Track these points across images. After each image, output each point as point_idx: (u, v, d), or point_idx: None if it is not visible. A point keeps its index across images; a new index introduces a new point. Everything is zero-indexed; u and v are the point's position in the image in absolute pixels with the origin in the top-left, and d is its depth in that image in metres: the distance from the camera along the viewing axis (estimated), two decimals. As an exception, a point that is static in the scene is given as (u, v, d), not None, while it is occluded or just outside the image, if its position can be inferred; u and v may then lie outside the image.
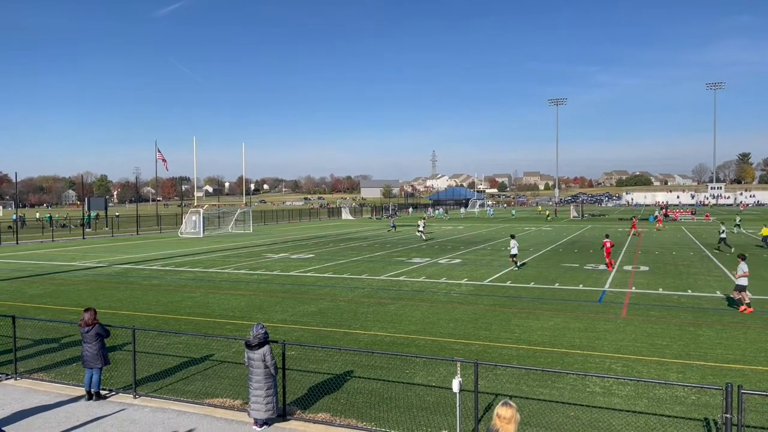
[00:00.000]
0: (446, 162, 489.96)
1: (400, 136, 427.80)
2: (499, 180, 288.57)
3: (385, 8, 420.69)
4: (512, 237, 28.02)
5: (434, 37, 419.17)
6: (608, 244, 27.16)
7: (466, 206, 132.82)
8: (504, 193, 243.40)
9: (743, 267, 17.01)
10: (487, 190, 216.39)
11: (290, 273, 26.01)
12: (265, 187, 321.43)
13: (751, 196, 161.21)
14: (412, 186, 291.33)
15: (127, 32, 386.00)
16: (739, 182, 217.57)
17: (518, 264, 27.26)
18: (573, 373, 10.63)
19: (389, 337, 14.06)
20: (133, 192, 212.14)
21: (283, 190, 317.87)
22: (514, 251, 26.84)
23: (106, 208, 72.11)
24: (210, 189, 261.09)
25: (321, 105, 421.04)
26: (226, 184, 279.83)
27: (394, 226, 57.31)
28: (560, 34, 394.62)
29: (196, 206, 58.10)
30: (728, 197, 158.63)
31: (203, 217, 54.77)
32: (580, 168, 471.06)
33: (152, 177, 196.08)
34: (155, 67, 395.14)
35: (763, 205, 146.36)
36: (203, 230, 53.86)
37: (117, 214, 73.13)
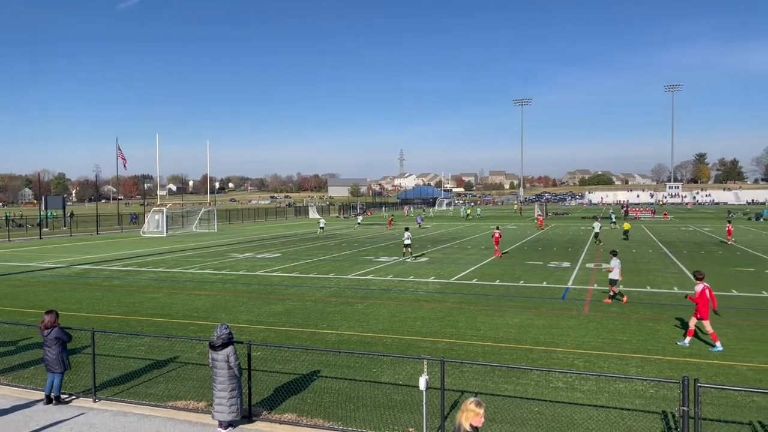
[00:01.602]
0: (414, 161, 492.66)
1: (367, 135, 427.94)
2: (466, 179, 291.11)
3: (353, 8, 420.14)
4: (406, 230, 32.25)
5: (401, 37, 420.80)
6: (497, 235, 32.03)
7: (433, 205, 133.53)
8: (470, 192, 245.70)
9: (614, 263, 18.16)
10: (454, 189, 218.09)
11: (256, 273, 25.74)
12: (231, 185, 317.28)
13: (707, 195, 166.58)
14: (380, 185, 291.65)
15: (89, 25, 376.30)
16: (696, 182, 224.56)
17: (414, 256, 30.74)
18: (537, 369, 10.81)
19: (357, 336, 14.05)
20: (92, 190, 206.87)
21: (249, 188, 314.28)
22: (407, 242, 30.52)
23: (64, 207, 70.00)
24: (173, 187, 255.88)
25: (288, 103, 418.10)
26: (191, 183, 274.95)
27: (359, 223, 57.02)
28: (527, 35, 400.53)
29: (159, 205, 56.97)
30: (685, 196, 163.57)
31: (166, 216, 53.75)
32: (545, 167, 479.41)
33: (113, 175, 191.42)
34: (117, 61, 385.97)
35: (718, 204, 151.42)
36: (166, 229, 52.86)
37: (70, 213, 70.76)
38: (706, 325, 12.72)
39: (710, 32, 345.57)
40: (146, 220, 54.94)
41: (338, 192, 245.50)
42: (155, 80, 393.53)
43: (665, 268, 26.25)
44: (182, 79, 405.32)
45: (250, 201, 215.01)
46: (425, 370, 7.97)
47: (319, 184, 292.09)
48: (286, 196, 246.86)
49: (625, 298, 18.06)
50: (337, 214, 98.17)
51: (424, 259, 30.51)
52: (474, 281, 22.62)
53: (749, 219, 70.97)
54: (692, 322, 13.03)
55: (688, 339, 13.00)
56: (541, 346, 12.99)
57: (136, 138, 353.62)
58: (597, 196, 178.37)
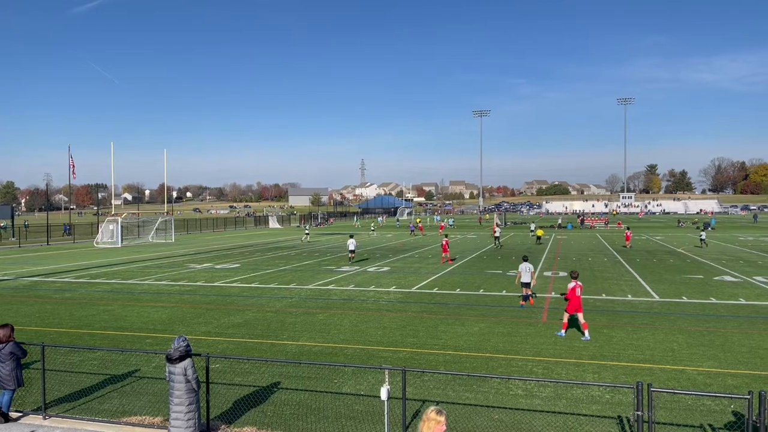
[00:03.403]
0: (375, 170, 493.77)
1: (329, 144, 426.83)
2: (427, 189, 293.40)
3: (314, 15, 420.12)
4: (351, 236, 34.82)
5: (363, 46, 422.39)
6: (444, 243, 33.88)
7: (394, 214, 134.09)
8: (431, 201, 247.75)
9: (524, 267, 19.39)
10: (415, 199, 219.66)
11: (215, 283, 25.29)
12: (189, 194, 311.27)
13: (658, 205, 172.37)
14: (341, 194, 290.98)
15: (40, 28, 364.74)
16: (647, 192, 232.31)
17: (352, 260, 33.34)
18: (497, 377, 10.94)
19: (318, 346, 13.94)
20: (43, 200, 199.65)
21: (208, 198, 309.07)
22: (351, 248, 33.17)
23: (12, 217, 67.42)
24: (129, 197, 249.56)
25: (247, 111, 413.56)
26: (147, 192, 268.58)
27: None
28: (487, 47, 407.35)
29: (113, 214, 55.43)
30: (638, 206, 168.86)
31: (121, 226, 52.32)
32: (503, 177, 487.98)
33: (65, 184, 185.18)
34: (70, 67, 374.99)
35: (669, 213, 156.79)
36: (121, 240, 51.44)
37: (25, 223, 68.12)
38: (580, 317, 14.57)
39: (659, 49, 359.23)
40: (100, 231, 53.35)
41: (299, 201, 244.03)
42: (110, 87, 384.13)
43: (620, 276, 26.98)
44: (138, 86, 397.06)
45: (209, 210, 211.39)
46: (387, 379, 7.96)
47: (279, 193, 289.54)
48: (246, 206, 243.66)
49: (531, 300, 19.48)
50: (298, 224, 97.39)
51: (385, 268, 30.55)
52: (435, 290, 22.77)
53: (698, 228, 73.69)
54: (565, 317, 14.74)
55: (564, 331, 14.76)
56: (501, 353, 13.16)
57: (90, 146, 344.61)
58: (554, 205, 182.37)
